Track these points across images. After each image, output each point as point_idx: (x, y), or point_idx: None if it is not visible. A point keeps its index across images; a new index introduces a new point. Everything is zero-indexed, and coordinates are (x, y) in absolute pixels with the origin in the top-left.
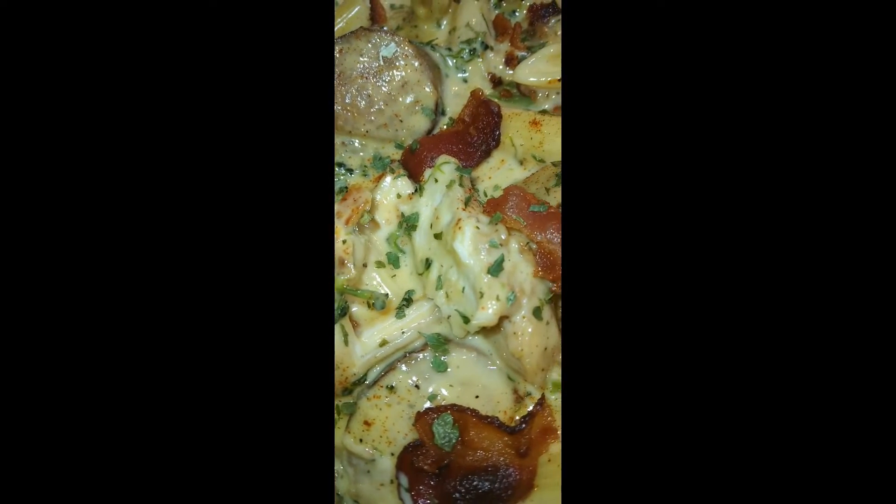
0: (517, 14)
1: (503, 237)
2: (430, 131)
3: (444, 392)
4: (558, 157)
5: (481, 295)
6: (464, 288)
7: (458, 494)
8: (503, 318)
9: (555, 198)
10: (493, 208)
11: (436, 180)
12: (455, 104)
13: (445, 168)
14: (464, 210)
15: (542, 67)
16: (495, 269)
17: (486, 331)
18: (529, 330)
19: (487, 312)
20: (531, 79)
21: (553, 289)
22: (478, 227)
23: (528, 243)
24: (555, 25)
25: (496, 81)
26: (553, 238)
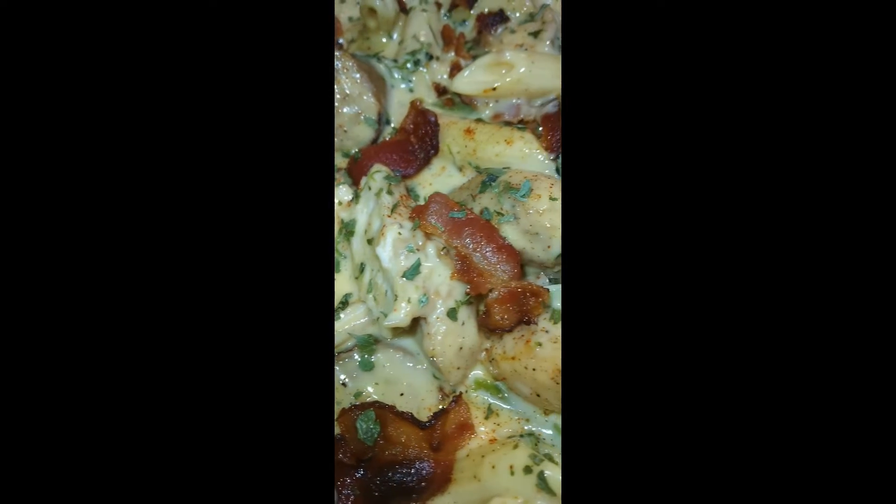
0: (467, 24)
1: (420, 242)
2: (375, 140)
3: (370, 390)
4: (490, 164)
5: (396, 297)
6: (386, 291)
7: (374, 486)
8: (420, 319)
9: (479, 204)
10: (416, 214)
11: (369, 188)
12: (400, 114)
13: (377, 176)
14: (389, 217)
15: (479, 77)
16: (411, 272)
17: (412, 331)
18: (443, 330)
19: (399, 314)
20: (466, 88)
21: (467, 291)
22: (399, 233)
23: (444, 248)
24: (501, 34)
25: (441, 91)
26: (468, 243)
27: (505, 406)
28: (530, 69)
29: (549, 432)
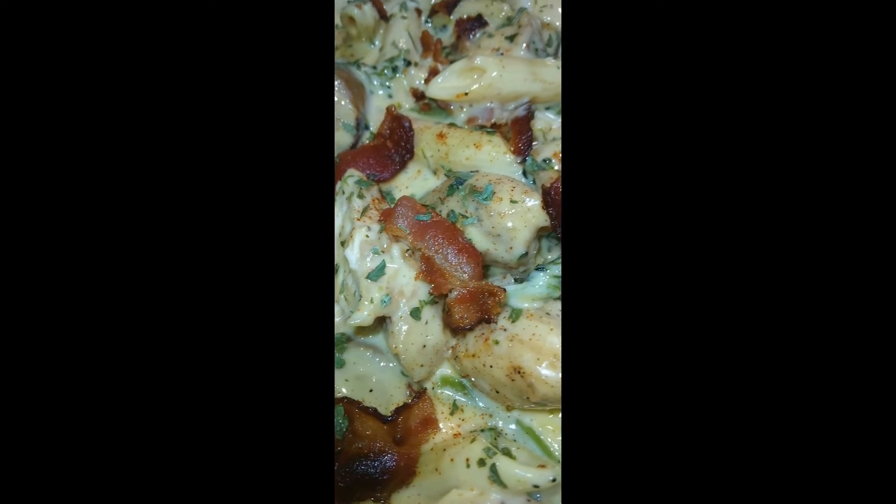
0: (447, 29)
1: (385, 245)
2: (353, 145)
3: (342, 387)
4: (462, 167)
5: (360, 297)
6: (354, 291)
7: (339, 477)
8: (386, 318)
9: (446, 207)
10: (384, 218)
11: (342, 192)
12: (379, 119)
13: (349, 181)
14: (358, 220)
15: (452, 82)
16: (375, 273)
17: (380, 330)
18: (405, 329)
19: (362, 313)
20: (440, 94)
21: (430, 291)
22: (367, 236)
23: (409, 250)
24: (479, 39)
25: (418, 96)
26: (431, 245)
27: (469, 402)
28: (501, 74)
29: (513, 427)
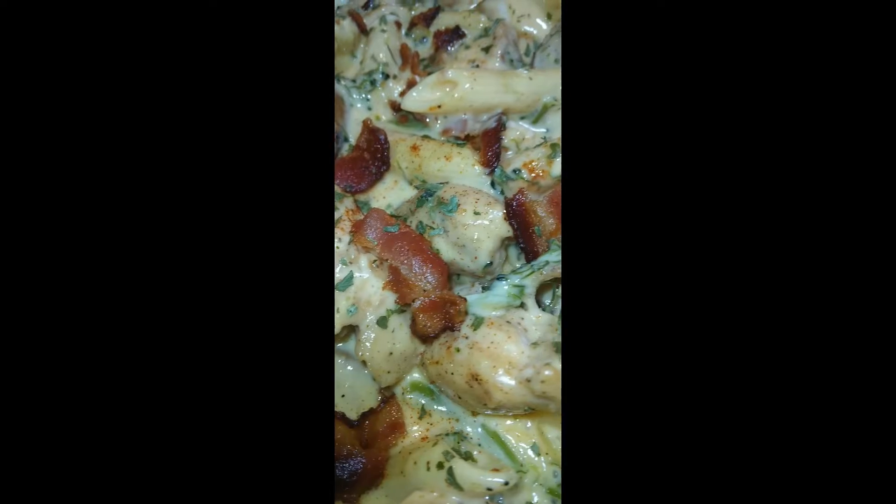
0: (427, 41)
1: (353, 256)
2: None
3: None
4: (434, 178)
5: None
6: None
7: None
8: (354, 327)
9: (416, 218)
10: (354, 229)
11: None
12: (358, 132)
13: None
14: None
15: (426, 95)
16: (343, 284)
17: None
18: (372, 337)
19: None
20: (414, 106)
21: (396, 300)
22: (337, 247)
23: (376, 260)
24: (456, 51)
25: (396, 108)
26: (397, 256)
27: (437, 407)
28: (472, 86)
29: (479, 431)
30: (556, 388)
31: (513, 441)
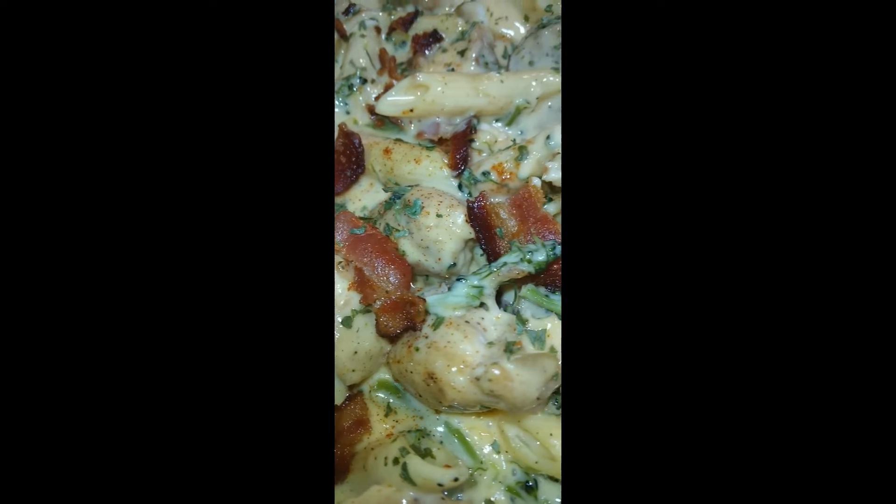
0: (406, 45)
1: None
2: None
3: None
4: (405, 181)
5: None
6: None
7: None
8: None
9: (384, 220)
10: None
11: None
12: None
13: None
14: None
15: (399, 99)
16: None
17: None
18: (337, 336)
19: None
20: (388, 111)
21: (360, 301)
22: None
23: (341, 262)
24: (434, 54)
25: (373, 112)
26: (362, 257)
27: (402, 404)
28: (444, 90)
29: (441, 429)
30: (503, 387)
31: (475, 439)
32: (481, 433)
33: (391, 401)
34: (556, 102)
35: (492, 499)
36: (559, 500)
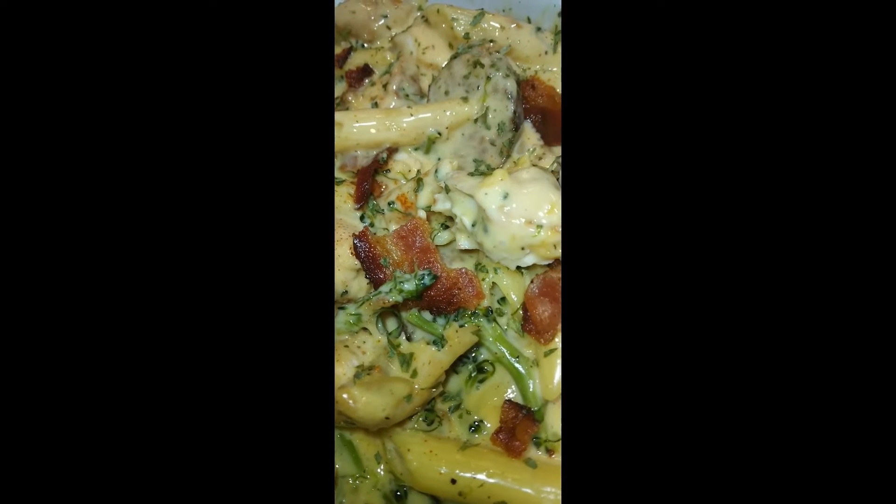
0: (342, 80)
1: None
2: None
3: None
4: None
5: None
6: None
7: None
8: None
9: None
10: None
11: None
12: None
13: None
14: None
15: None
16: None
17: None
18: None
19: None
20: None
21: None
22: None
23: None
24: (364, 89)
25: None
26: None
27: None
28: (357, 126)
29: (336, 437)
30: (347, 408)
31: (362, 449)
32: (367, 444)
33: None
34: (468, 130)
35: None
36: None
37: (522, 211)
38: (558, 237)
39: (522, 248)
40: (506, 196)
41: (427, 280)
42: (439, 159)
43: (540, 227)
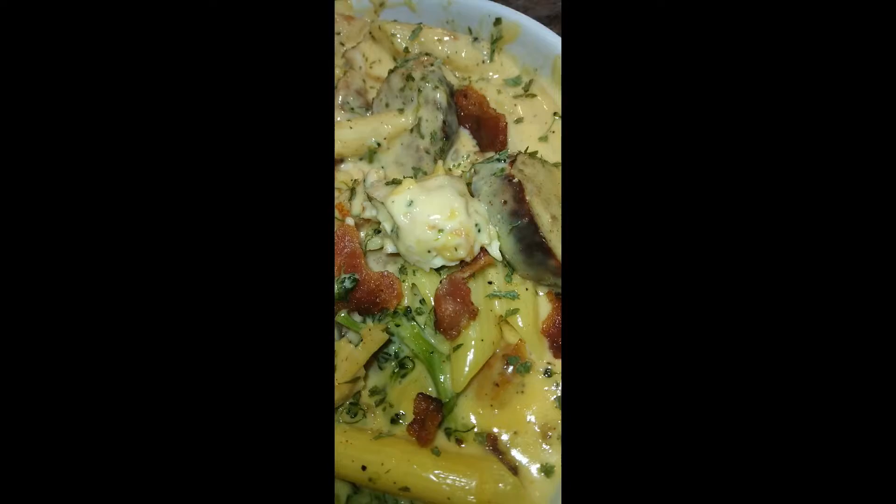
0: None
1: None
2: None
3: None
4: None
5: None
6: None
7: None
8: None
9: None
10: None
11: None
12: None
13: None
14: None
15: None
16: None
17: None
18: None
19: None
20: None
21: None
22: None
23: None
24: None
25: None
26: None
27: None
28: None
29: None
30: None
31: None
32: None
33: None
34: (406, 139)
35: None
36: None
37: (426, 217)
38: (459, 240)
39: (429, 251)
40: (410, 203)
41: (348, 283)
42: (382, 167)
43: (441, 231)
